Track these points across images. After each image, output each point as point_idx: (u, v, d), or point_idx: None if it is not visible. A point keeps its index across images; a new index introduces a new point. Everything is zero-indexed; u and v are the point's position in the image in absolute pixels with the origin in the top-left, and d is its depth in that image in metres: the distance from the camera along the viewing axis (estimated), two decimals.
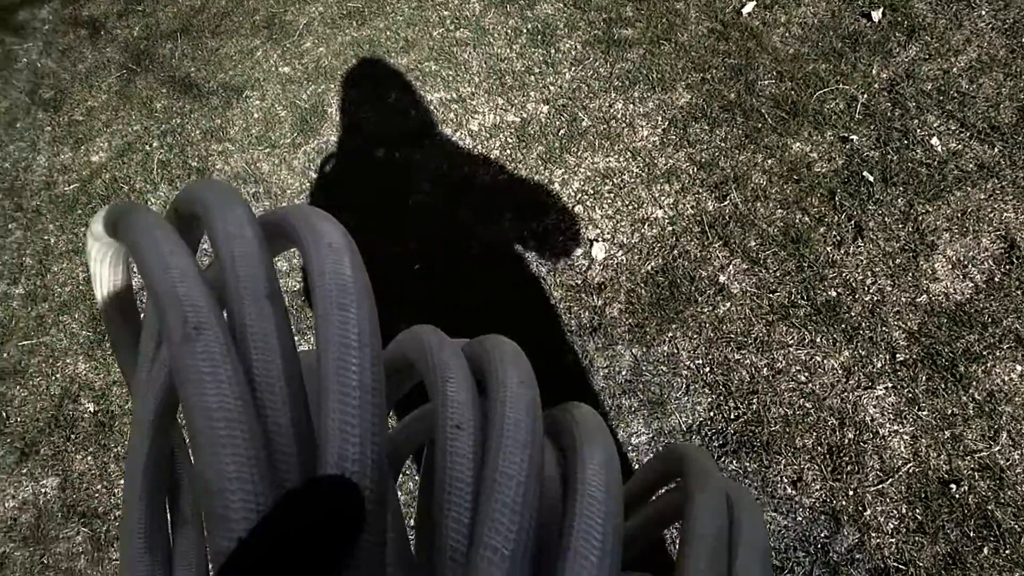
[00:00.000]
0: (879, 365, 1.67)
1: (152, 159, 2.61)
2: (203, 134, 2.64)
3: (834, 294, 1.79)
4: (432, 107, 2.47)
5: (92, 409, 2.07)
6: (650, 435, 1.71)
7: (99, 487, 1.94)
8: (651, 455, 1.68)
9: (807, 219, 1.92)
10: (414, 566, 0.32)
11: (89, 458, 2.00)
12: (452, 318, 1.99)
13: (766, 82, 2.21)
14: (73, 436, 2.04)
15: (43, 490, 1.97)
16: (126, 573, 0.31)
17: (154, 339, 0.33)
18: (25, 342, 2.25)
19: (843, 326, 1.74)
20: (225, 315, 0.28)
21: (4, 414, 2.12)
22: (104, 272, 0.36)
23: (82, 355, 2.17)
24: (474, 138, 2.35)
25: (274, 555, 0.21)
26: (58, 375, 2.16)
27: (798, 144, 2.06)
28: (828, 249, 1.86)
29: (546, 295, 1.97)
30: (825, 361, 1.70)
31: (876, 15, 2.26)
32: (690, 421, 1.70)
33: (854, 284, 1.79)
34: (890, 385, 1.64)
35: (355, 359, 0.25)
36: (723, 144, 2.11)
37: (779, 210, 1.95)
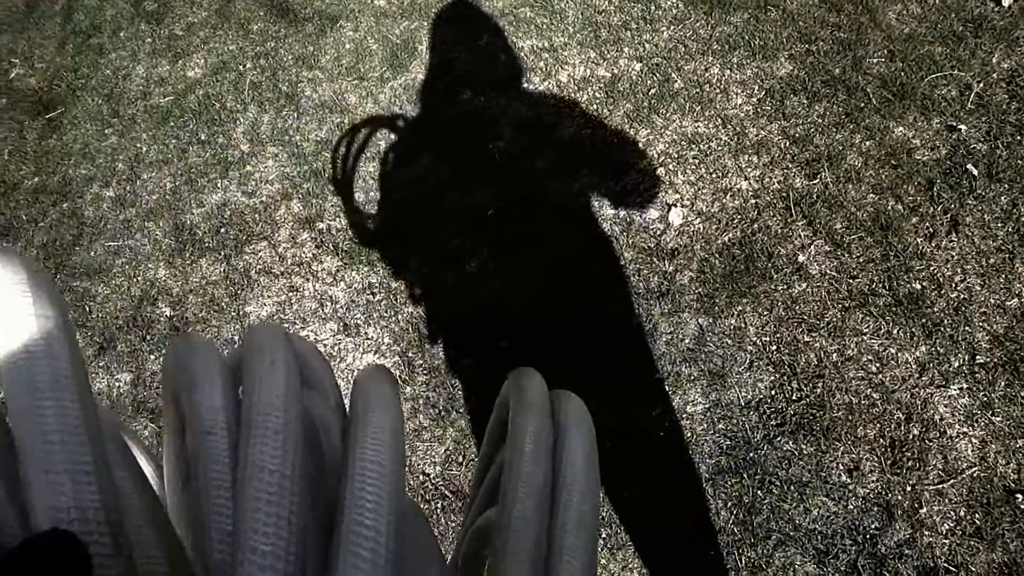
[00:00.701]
0: (956, 365, 1.61)
1: (245, 80, 2.66)
2: (295, 60, 2.67)
3: (918, 287, 1.72)
4: (523, 54, 2.44)
5: (168, 313, 2.17)
6: (707, 406, 1.69)
7: None
8: (705, 426, 1.67)
9: (900, 207, 1.84)
10: None
11: (161, 359, 2.09)
12: (520, 269, 2.00)
13: (875, 60, 2.11)
14: (148, 337, 2.14)
15: (117, 384, 2.08)
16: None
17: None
18: (112, 243, 2.36)
19: (924, 321, 1.67)
20: None
21: (87, 308, 2.24)
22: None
23: (163, 261, 2.26)
24: (561, 89, 2.32)
25: None
26: (139, 278, 2.26)
27: (901, 128, 1.96)
28: (919, 240, 1.78)
29: (616, 255, 1.95)
30: (899, 354, 1.65)
31: (1007, 0, 2.11)
32: (749, 397, 1.68)
33: (941, 279, 1.72)
34: (965, 386, 1.58)
35: (50, 401, 0.22)
36: (820, 120, 2.03)
37: (871, 194, 1.87)
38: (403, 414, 0.28)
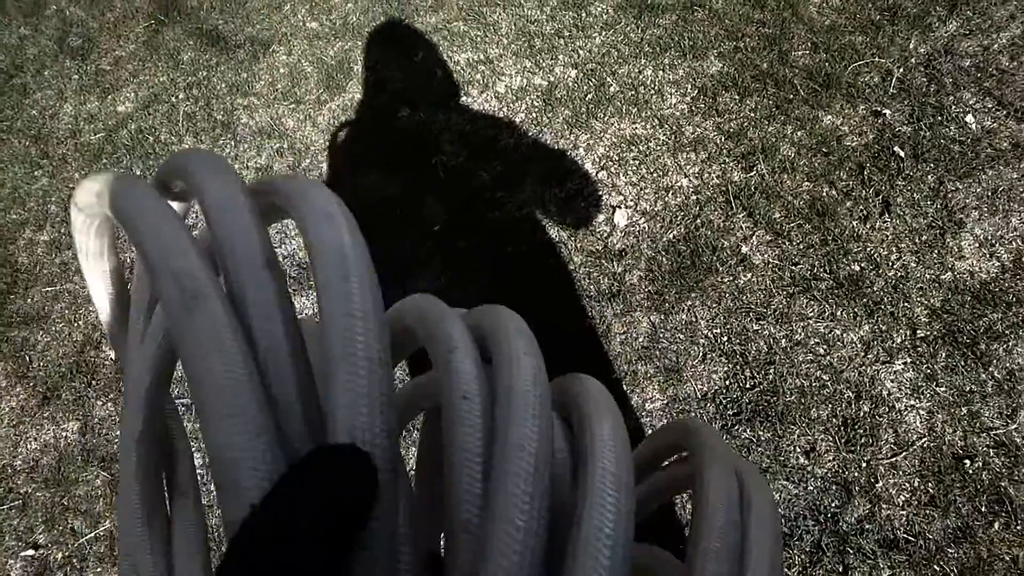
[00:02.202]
0: (899, 340, 1.66)
1: (178, 111, 2.62)
2: (229, 88, 2.64)
3: (857, 268, 1.77)
4: (459, 68, 2.45)
5: (113, 356, 2.10)
6: (665, 401, 1.71)
7: (118, 433, 1.98)
8: (664, 421, 1.68)
9: (834, 193, 1.90)
10: (421, 537, 0.31)
11: (109, 404, 2.03)
12: (470, 281, 2.00)
13: (800, 53, 2.17)
14: (94, 382, 2.08)
15: (64, 434, 2.01)
16: (125, 549, 0.31)
17: (143, 311, 0.32)
18: (49, 288, 2.29)
19: (865, 300, 1.72)
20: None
21: (28, 358, 2.16)
22: (90, 244, 0.35)
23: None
24: (500, 100, 2.34)
25: (288, 523, 0.21)
26: (80, 322, 2.19)
27: (829, 117, 2.03)
28: (854, 223, 1.84)
29: (566, 260, 1.97)
30: (844, 335, 1.70)
31: None
32: (705, 389, 1.70)
33: (878, 259, 1.77)
34: (909, 360, 1.63)
35: (360, 330, 0.25)
36: (752, 114, 2.09)
37: (806, 183, 1.93)
38: None
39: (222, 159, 0.31)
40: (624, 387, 1.75)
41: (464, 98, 2.38)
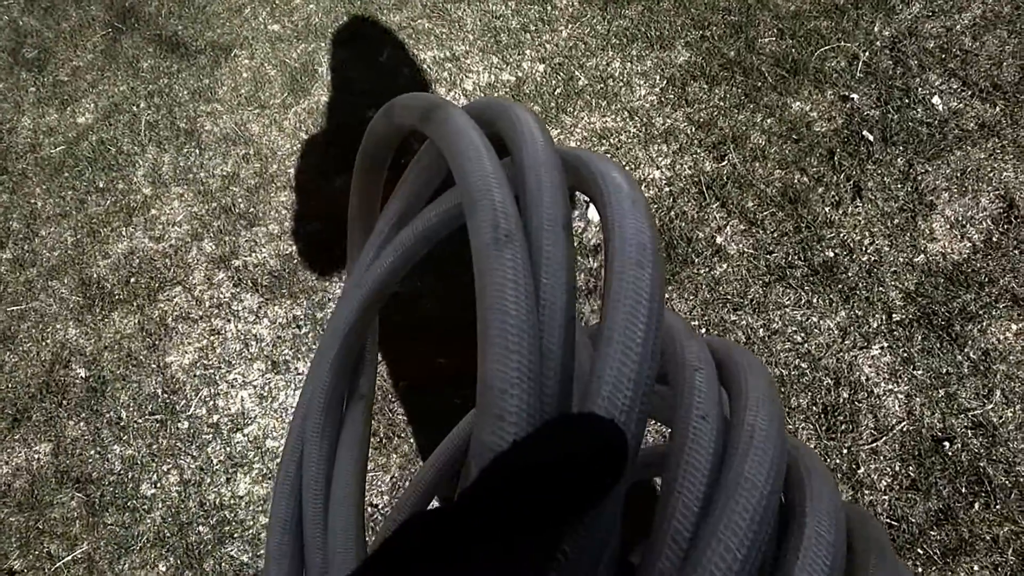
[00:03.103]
0: (875, 325, 1.67)
1: (139, 120, 2.56)
2: (191, 94, 2.58)
3: (831, 254, 1.77)
4: (425, 66, 2.42)
5: (83, 375, 2.06)
6: None
7: (92, 452, 1.93)
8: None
9: (806, 179, 1.89)
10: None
11: (81, 424, 1.99)
12: (448, 284, 1.97)
13: (767, 40, 2.17)
14: (65, 402, 2.03)
15: (36, 456, 1.96)
16: (297, 433, 0.33)
17: (391, 223, 0.36)
18: (14, 307, 2.23)
19: (840, 286, 1.73)
20: None
21: None
22: (379, 153, 0.39)
23: (72, 320, 2.15)
24: (468, 97, 2.31)
25: (535, 471, 0.21)
26: (48, 340, 2.14)
27: (798, 103, 2.02)
28: (826, 209, 1.84)
29: None
30: (821, 322, 1.70)
31: None
32: None
33: (852, 244, 1.78)
34: (886, 345, 1.64)
35: (643, 317, 0.26)
36: (722, 103, 2.08)
37: (777, 170, 1.92)
38: None
39: (537, 117, 0.32)
40: None
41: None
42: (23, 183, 2.51)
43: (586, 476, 0.21)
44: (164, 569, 1.69)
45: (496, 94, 2.29)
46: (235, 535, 1.70)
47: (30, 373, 2.09)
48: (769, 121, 2.01)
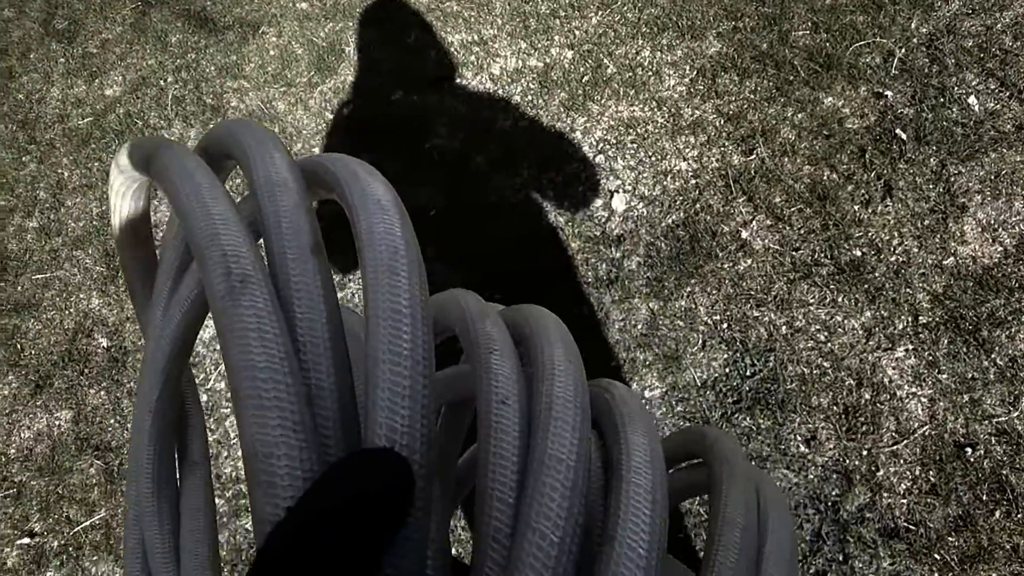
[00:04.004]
0: (901, 327, 1.64)
1: (166, 95, 2.57)
2: (218, 70, 2.58)
3: (859, 254, 1.75)
4: (452, 49, 2.41)
5: (105, 344, 2.08)
6: (664, 389, 1.70)
7: (112, 421, 1.96)
8: (663, 410, 1.67)
9: (835, 176, 1.87)
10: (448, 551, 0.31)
11: (102, 392, 2.01)
12: (467, 268, 1.97)
13: (800, 33, 2.13)
14: (87, 370, 2.05)
15: (57, 422, 1.99)
16: (133, 518, 0.30)
17: (171, 277, 0.31)
18: (39, 276, 2.25)
19: (866, 286, 1.70)
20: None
21: (19, 347, 2.13)
22: (125, 206, 0.34)
23: (96, 290, 2.17)
24: (495, 82, 2.29)
25: (320, 526, 0.20)
26: (71, 309, 2.16)
27: (830, 99, 1.99)
28: (855, 208, 1.81)
29: (563, 246, 1.94)
30: (846, 321, 1.68)
31: None
32: (705, 376, 1.69)
33: (880, 244, 1.75)
34: (911, 347, 1.62)
35: (407, 327, 0.24)
36: (752, 96, 2.05)
37: (807, 166, 1.90)
38: None
39: (270, 132, 0.30)
40: (623, 375, 1.73)
41: (458, 80, 2.34)
42: (51, 153, 2.53)
43: (369, 519, 0.20)
44: None
45: (523, 80, 2.27)
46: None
47: (53, 341, 2.11)
48: (800, 116, 1.98)
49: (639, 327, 1.78)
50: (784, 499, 0.34)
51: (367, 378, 0.23)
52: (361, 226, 0.26)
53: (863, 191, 1.83)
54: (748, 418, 1.61)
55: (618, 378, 1.72)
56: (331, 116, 2.37)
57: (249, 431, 0.22)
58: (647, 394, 1.70)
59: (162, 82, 2.61)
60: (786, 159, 1.92)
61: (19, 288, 2.23)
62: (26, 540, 1.82)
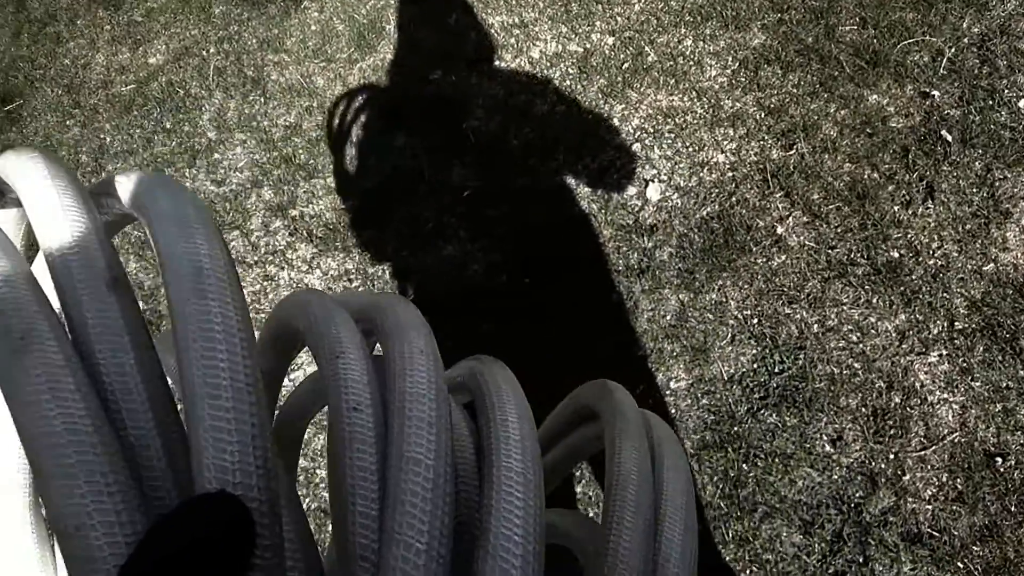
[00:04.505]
0: (935, 332, 1.62)
1: (208, 65, 2.59)
2: (260, 43, 2.60)
3: (896, 255, 1.72)
4: (493, 31, 2.40)
5: (141, 307, 2.12)
6: (690, 381, 1.69)
7: None
8: (688, 402, 1.66)
9: (876, 175, 1.84)
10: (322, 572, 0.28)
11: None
12: (498, 250, 1.97)
13: (847, 28, 2.09)
14: None
15: None
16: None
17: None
18: None
19: (902, 289, 1.68)
20: (60, 312, 0.23)
21: None
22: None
23: (133, 254, 2.21)
24: (534, 66, 2.28)
25: None
26: None
27: (875, 96, 1.95)
28: (895, 208, 1.78)
29: (595, 233, 1.93)
30: (879, 323, 1.65)
31: None
32: (732, 371, 1.68)
33: (919, 247, 1.72)
34: (945, 353, 1.59)
35: (224, 356, 0.21)
36: (795, 91, 2.02)
37: (847, 164, 1.87)
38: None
39: (49, 155, 0.26)
40: (649, 365, 1.73)
41: (497, 62, 2.33)
42: (94, 118, 2.57)
43: (207, 570, 0.19)
44: None
45: (563, 65, 2.26)
46: None
47: None
48: (843, 112, 1.95)
49: (668, 318, 1.77)
50: (677, 443, 0.34)
51: (189, 418, 0.21)
52: (159, 246, 0.23)
53: (904, 192, 1.80)
54: (774, 415, 1.60)
55: (644, 368, 1.72)
56: (369, 93, 2.38)
57: (54, 506, 0.19)
58: (672, 385, 1.69)
59: (204, 52, 2.63)
60: (826, 156, 1.89)
61: None
62: None
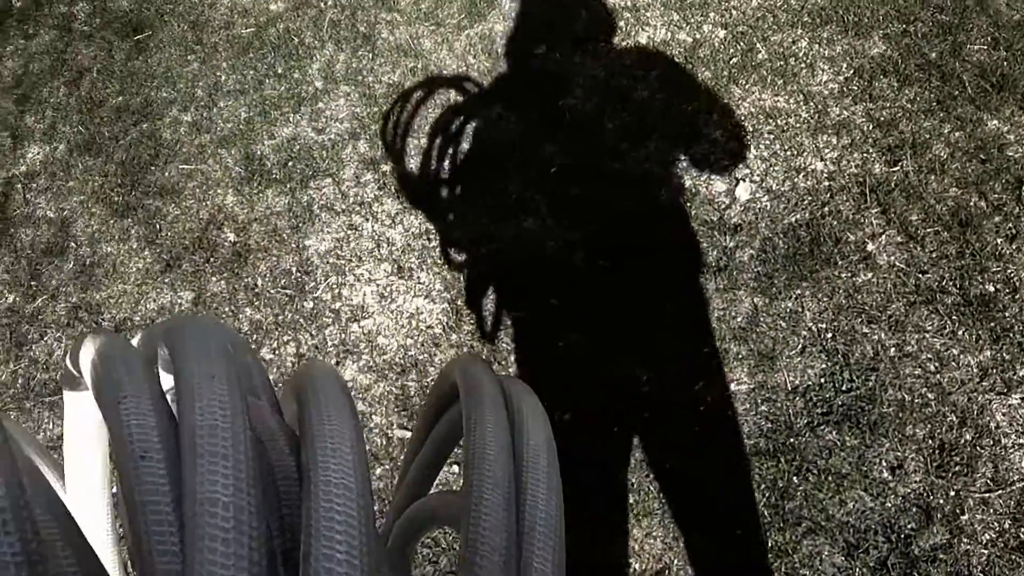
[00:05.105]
0: (1022, 374, 1.54)
1: (324, 17, 2.68)
2: (375, 0, 2.67)
3: (992, 289, 1.64)
4: (603, 12, 2.39)
5: (232, 239, 2.23)
6: (752, 386, 1.66)
7: (226, 309, 2.11)
8: (747, 407, 1.64)
9: (983, 204, 1.75)
10: None
11: (222, 282, 2.17)
12: (576, 229, 1.98)
13: (976, 47, 1.98)
14: (212, 259, 2.22)
15: (179, 301, 2.17)
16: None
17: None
18: (185, 166, 2.43)
19: (992, 324, 1.60)
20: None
21: (157, 227, 2.32)
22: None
23: (232, 188, 2.33)
24: (640, 51, 2.26)
25: None
26: (208, 202, 2.33)
27: (995, 122, 1.85)
28: (999, 241, 1.69)
29: (676, 225, 1.92)
30: (962, 356, 1.58)
31: None
32: (797, 382, 1.64)
33: (1017, 283, 1.63)
34: None
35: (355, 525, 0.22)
36: (909, 106, 1.94)
37: (954, 188, 1.78)
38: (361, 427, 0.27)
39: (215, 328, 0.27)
40: (711, 364, 1.71)
41: (604, 44, 2.32)
42: (213, 55, 2.70)
43: None
44: None
45: (669, 53, 2.23)
46: None
47: (188, 227, 2.29)
48: (957, 134, 1.85)
49: (739, 319, 1.74)
50: (537, 408, 0.32)
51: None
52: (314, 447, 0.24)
53: (1011, 224, 1.70)
54: (834, 432, 1.56)
55: (705, 365, 1.70)
56: (473, 61, 2.42)
57: None
58: (733, 387, 1.67)
59: (322, 4, 2.72)
60: (932, 177, 1.81)
61: (166, 174, 2.42)
62: None
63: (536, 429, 0.31)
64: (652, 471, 1.60)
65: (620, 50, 2.28)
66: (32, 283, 2.24)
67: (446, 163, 2.19)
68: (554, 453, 0.31)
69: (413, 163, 2.22)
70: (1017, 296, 1.62)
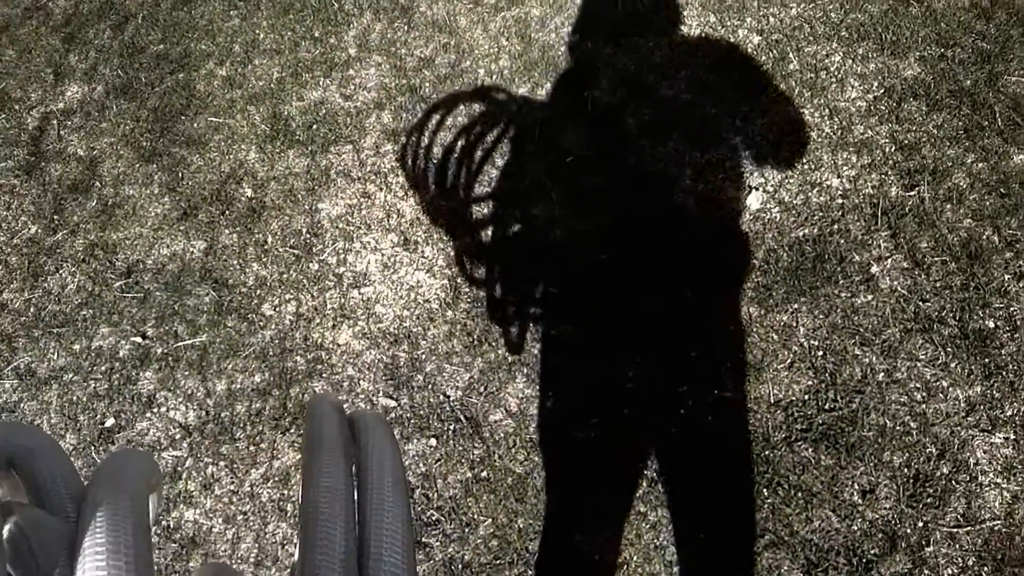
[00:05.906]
0: (1009, 413, 1.51)
1: None
2: None
3: (991, 324, 1.61)
4: (640, 7, 2.37)
5: (249, 194, 2.28)
6: (735, 395, 1.66)
7: (234, 262, 2.16)
8: (729, 414, 1.64)
9: (996, 238, 1.71)
10: None
11: (234, 235, 2.22)
12: (583, 221, 1.98)
13: (1014, 78, 1.94)
14: (227, 212, 2.26)
15: (191, 249, 2.22)
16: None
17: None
18: (214, 119, 2.48)
19: (987, 360, 1.57)
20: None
21: (180, 175, 2.38)
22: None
23: (255, 145, 2.37)
24: (672, 49, 2.25)
25: None
26: (231, 156, 2.38)
27: (1021, 156, 1.81)
28: (1006, 277, 1.66)
29: (682, 227, 1.91)
30: (951, 388, 1.56)
31: None
32: (781, 396, 1.63)
33: (1018, 322, 1.60)
34: (1012, 437, 1.49)
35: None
36: (935, 131, 1.90)
37: (968, 219, 1.75)
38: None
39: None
40: (698, 367, 1.71)
41: (636, 39, 2.31)
42: (254, 13, 2.74)
43: None
44: (258, 380, 1.89)
45: (700, 54, 2.21)
46: (324, 374, 1.86)
47: (208, 178, 2.34)
48: (980, 166, 1.82)
49: (732, 327, 1.74)
50: (386, 437, 0.33)
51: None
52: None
53: (1022, 262, 1.67)
54: (811, 450, 1.56)
55: (692, 369, 1.70)
56: (505, 42, 2.42)
57: None
58: (716, 393, 1.67)
59: None
60: (948, 206, 1.78)
61: (195, 125, 2.48)
62: (138, 339, 2.07)
63: (381, 461, 0.32)
64: (623, 467, 1.61)
65: (651, 46, 2.27)
66: (55, 217, 2.32)
67: (464, 141, 2.21)
68: (401, 483, 0.32)
69: (434, 137, 2.23)
70: (1016, 335, 1.59)
